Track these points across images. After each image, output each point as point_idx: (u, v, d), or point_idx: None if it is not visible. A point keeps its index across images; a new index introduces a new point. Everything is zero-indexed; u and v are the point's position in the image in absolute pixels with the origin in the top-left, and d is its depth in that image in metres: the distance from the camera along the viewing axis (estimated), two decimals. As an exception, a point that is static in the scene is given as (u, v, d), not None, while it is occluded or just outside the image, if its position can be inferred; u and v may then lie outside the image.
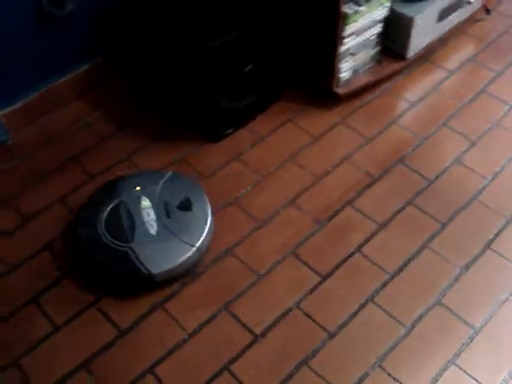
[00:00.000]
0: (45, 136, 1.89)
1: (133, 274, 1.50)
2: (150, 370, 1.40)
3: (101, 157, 1.83)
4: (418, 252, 1.58)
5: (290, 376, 1.38)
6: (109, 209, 1.59)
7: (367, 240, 1.61)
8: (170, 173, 1.68)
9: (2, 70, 1.76)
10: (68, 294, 1.53)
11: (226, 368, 1.40)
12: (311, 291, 1.52)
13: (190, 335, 1.45)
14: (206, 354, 1.42)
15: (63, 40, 1.85)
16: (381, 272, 1.54)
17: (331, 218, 1.66)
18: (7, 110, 1.82)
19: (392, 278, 1.53)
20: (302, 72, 1.99)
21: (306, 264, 1.57)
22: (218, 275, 1.56)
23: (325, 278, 1.54)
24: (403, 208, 1.67)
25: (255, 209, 1.69)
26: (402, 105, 1.96)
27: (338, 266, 1.56)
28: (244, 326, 1.46)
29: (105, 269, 1.53)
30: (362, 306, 1.48)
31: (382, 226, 1.64)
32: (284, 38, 1.85)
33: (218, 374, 1.39)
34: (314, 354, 1.41)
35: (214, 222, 1.61)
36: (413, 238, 1.61)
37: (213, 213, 1.62)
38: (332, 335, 1.43)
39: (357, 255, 1.58)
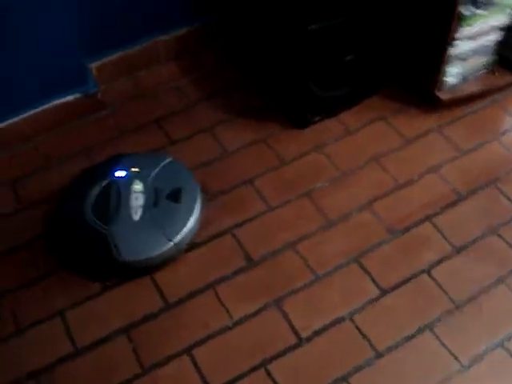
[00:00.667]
0: (134, 92, 1.89)
1: (104, 257, 1.47)
2: (188, 350, 1.38)
3: (185, 122, 1.81)
4: (493, 286, 1.46)
5: (328, 389, 1.33)
6: (101, 186, 1.55)
7: (439, 262, 1.50)
8: (169, 159, 1.62)
9: (98, 25, 1.75)
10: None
11: (263, 365, 1.35)
12: (368, 304, 1.44)
13: (235, 324, 1.42)
14: (246, 345, 1.39)
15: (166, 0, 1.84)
16: (447, 300, 1.43)
17: (406, 230, 1.56)
18: (99, 63, 1.82)
19: (458, 308, 1.42)
20: (405, 70, 1.87)
21: (368, 274, 1.48)
22: (276, 268, 1.50)
23: (385, 292, 1.45)
24: (485, 235, 1.54)
25: (328, 206, 1.61)
26: (508, 121, 1.81)
27: (402, 283, 1.46)
28: (291, 326, 1.40)
29: (80, 247, 1.50)
30: (419, 331, 1.39)
31: (459, 249, 1.52)
32: (390, 32, 1.73)
33: (254, 369, 1.35)
34: (356, 370, 1.33)
35: (201, 218, 1.55)
36: (489, 271, 1.48)
37: (202, 209, 1.55)
38: (379, 355, 1.35)
39: (425, 276, 1.48)
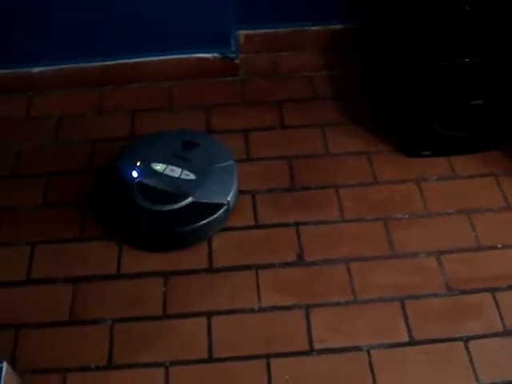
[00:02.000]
0: (269, 69, 1.97)
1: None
2: (208, 314, 1.45)
3: (302, 112, 1.85)
4: (526, 383, 1.36)
5: (315, 407, 1.33)
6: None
7: (482, 337, 1.41)
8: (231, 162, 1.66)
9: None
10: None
11: (266, 357, 1.38)
12: (391, 347, 1.40)
13: (261, 309, 1.46)
14: (261, 333, 1.42)
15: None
16: (472, 376, 1.35)
17: (464, 292, 1.48)
18: (246, 33, 1.92)
19: (479, 388, 1.35)
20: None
21: (406, 318, 1.44)
22: (321, 275, 1.51)
23: (414, 343, 1.40)
24: (545, 331, 1.44)
25: (398, 238, 1.57)
26: None
27: (434, 341, 1.40)
28: (309, 333, 1.42)
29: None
30: (429, 393, 1.34)
31: (508, 333, 1.41)
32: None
33: (256, 357, 1.38)
34: (348, 402, 1.33)
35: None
36: (531, 366, 1.38)
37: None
38: (382, 397, 1.34)
39: (460, 344, 1.40)
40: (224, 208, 1.57)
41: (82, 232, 1.60)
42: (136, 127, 1.84)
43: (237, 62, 1.91)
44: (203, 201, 1.57)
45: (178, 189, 1.58)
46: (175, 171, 1.61)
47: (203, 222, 1.54)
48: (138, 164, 1.62)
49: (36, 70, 1.88)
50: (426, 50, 1.60)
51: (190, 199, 1.56)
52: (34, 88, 1.91)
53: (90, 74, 1.90)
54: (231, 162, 1.66)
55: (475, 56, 1.54)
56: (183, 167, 1.62)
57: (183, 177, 1.60)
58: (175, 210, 1.55)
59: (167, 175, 1.60)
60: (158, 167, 1.62)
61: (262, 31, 1.93)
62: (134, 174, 1.60)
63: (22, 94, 1.92)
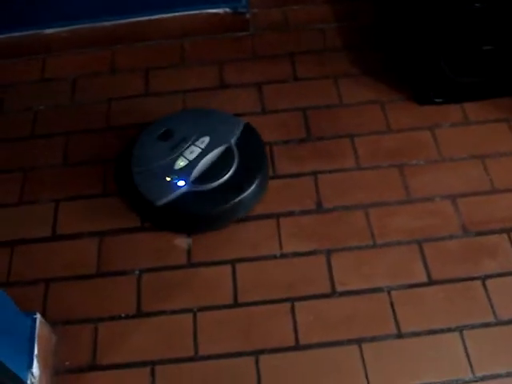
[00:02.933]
0: (280, 23, 1.98)
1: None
2: (232, 262, 1.50)
3: (315, 64, 1.87)
4: (542, 317, 1.41)
5: (337, 345, 1.37)
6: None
7: (499, 275, 1.46)
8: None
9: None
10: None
11: (290, 300, 1.44)
12: (411, 287, 1.45)
13: (282, 256, 1.51)
14: (284, 278, 1.47)
15: None
16: (490, 312, 1.40)
17: (480, 233, 1.52)
18: (259, -14, 1.93)
19: (497, 324, 1.39)
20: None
21: (424, 259, 1.48)
22: (340, 222, 1.55)
23: (432, 283, 1.45)
24: (560, 268, 1.48)
25: (414, 184, 1.61)
26: None
27: (452, 281, 1.45)
28: (331, 276, 1.46)
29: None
30: (449, 330, 1.38)
31: (525, 271, 1.47)
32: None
33: (281, 301, 1.44)
34: (372, 340, 1.37)
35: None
36: (547, 301, 1.43)
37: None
38: (400, 336, 1.37)
39: (478, 282, 1.45)
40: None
41: (104, 188, 1.64)
42: (150, 84, 1.85)
43: (248, 16, 1.91)
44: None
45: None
46: (194, 151, 1.60)
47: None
48: (169, 179, 1.56)
49: (48, 31, 1.89)
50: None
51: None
52: (47, 49, 1.92)
53: (102, 34, 1.90)
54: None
55: (486, 1, 1.54)
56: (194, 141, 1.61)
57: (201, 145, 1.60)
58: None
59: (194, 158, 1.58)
60: (182, 163, 1.59)
61: (271, -14, 1.94)
62: (181, 183, 1.55)
63: (36, 55, 1.93)
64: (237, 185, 1.55)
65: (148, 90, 1.84)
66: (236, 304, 1.44)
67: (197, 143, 1.60)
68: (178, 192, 1.53)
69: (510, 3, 1.56)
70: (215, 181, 1.55)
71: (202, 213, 1.54)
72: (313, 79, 1.83)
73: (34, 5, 1.83)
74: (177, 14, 1.88)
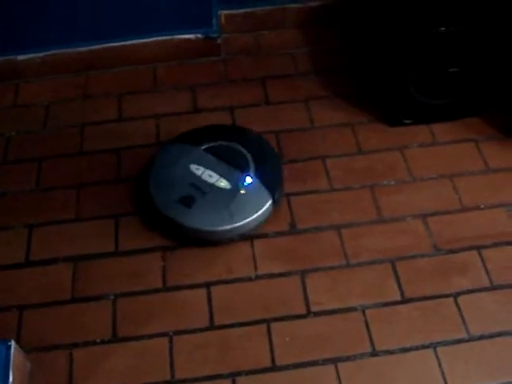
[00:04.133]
0: (251, 48, 2.01)
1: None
2: (207, 285, 1.50)
3: (286, 88, 1.90)
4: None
5: (313, 364, 1.38)
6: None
7: (470, 291, 1.48)
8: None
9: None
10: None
11: (266, 321, 1.44)
12: (384, 305, 1.46)
13: (258, 277, 1.51)
14: (259, 300, 1.48)
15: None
16: (463, 328, 1.42)
17: (451, 251, 1.55)
18: (228, 12, 1.96)
19: (469, 340, 1.41)
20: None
21: (397, 278, 1.50)
22: (314, 242, 1.57)
23: (406, 301, 1.47)
24: (530, 284, 1.51)
25: (385, 204, 1.63)
26: None
27: (425, 298, 1.47)
28: (305, 297, 1.47)
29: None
30: (422, 347, 1.40)
31: (496, 287, 1.49)
32: (505, 53, 1.68)
33: (257, 322, 1.44)
34: (347, 359, 1.38)
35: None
36: (517, 317, 1.46)
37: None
38: (374, 354, 1.39)
39: (450, 299, 1.47)
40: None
41: (77, 212, 1.63)
42: (123, 109, 1.86)
43: (219, 41, 1.94)
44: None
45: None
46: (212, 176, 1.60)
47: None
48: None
49: (21, 57, 1.89)
50: (403, 21, 1.65)
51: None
52: (20, 75, 1.92)
53: (76, 59, 1.91)
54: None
55: (451, 25, 1.60)
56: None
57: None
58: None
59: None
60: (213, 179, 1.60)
61: (242, 10, 1.96)
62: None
63: (9, 81, 1.93)
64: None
65: (121, 115, 1.85)
66: (212, 326, 1.44)
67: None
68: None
69: (475, 27, 1.62)
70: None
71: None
72: (284, 103, 1.86)
73: (6, 31, 1.83)
74: (149, 39, 1.89)
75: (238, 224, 1.53)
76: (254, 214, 1.55)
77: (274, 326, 1.44)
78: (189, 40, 1.91)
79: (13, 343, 1.33)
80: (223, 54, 1.98)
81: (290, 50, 1.99)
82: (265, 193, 1.58)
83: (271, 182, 1.60)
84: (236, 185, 1.58)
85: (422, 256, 1.55)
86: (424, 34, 1.59)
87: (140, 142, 1.78)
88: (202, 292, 1.49)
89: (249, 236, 1.57)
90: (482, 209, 1.63)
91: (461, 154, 1.74)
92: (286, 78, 1.92)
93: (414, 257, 1.54)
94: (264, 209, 1.56)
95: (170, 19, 1.87)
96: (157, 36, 1.90)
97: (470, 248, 1.56)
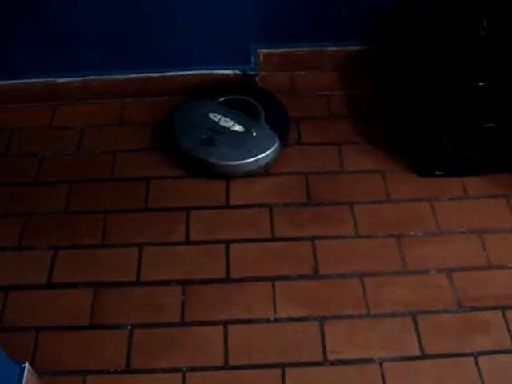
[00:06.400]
0: (287, 87, 2.03)
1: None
2: (224, 323, 1.49)
3: (319, 130, 1.91)
4: (534, 400, 1.40)
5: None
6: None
7: (492, 352, 1.45)
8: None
9: (276, 17, 1.92)
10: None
11: (281, 366, 1.42)
12: (403, 360, 1.44)
13: (276, 320, 1.50)
14: (276, 343, 1.46)
15: (351, 12, 1.93)
16: (482, 391, 1.40)
17: (475, 309, 1.52)
18: (266, 51, 1.99)
19: (488, 405, 1.38)
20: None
21: (417, 333, 1.48)
22: (336, 289, 1.55)
23: (425, 357, 1.44)
24: (554, 349, 1.47)
25: (411, 255, 1.62)
26: None
27: (445, 356, 1.44)
28: (323, 344, 1.46)
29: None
30: (436, 407, 1.38)
31: (518, 350, 1.47)
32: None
33: (272, 366, 1.43)
34: (361, 414, 1.36)
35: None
36: (539, 384, 1.42)
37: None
38: (391, 408, 1.37)
39: (470, 359, 1.44)
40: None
41: (102, 239, 1.65)
42: (156, 139, 1.88)
43: (256, 79, 1.97)
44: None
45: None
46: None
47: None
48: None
49: (60, 80, 1.93)
50: (442, 74, 1.65)
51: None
52: (58, 98, 1.96)
53: (113, 86, 1.95)
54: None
55: (489, 80, 1.59)
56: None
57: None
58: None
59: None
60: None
61: (281, 50, 1.99)
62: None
63: (47, 103, 1.97)
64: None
65: (155, 144, 1.88)
66: (226, 366, 1.43)
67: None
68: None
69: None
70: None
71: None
72: (316, 144, 1.86)
73: (49, 53, 1.87)
74: (188, 72, 1.93)
75: (252, 159, 1.77)
76: (265, 151, 1.78)
77: (289, 371, 1.42)
78: (227, 76, 1.94)
79: (27, 365, 1.33)
80: (259, 91, 2.01)
81: (326, 92, 2.00)
82: (274, 135, 1.82)
83: (279, 126, 1.85)
84: (249, 129, 1.82)
85: (445, 311, 1.52)
86: (462, 87, 1.59)
87: (170, 173, 1.80)
88: (219, 330, 1.48)
89: (271, 276, 1.57)
90: (510, 268, 1.60)
91: (491, 210, 1.72)
92: (319, 119, 1.93)
93: (436, 312, 1.52)
94: (274, 147, 1.80)
95: (209, 54, 1.90)
96: (195, 70, 1.93)
97: (494, 307, 1.53)
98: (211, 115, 1.84)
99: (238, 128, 1.81)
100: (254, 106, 1.87)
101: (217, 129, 1.81)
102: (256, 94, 1.92)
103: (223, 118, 1.83)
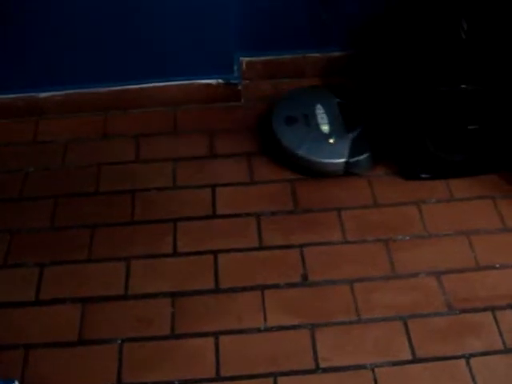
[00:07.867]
0: (271, 95, 2.01)
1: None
2: (215, 334, 1.48)
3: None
4: (527, 400, 1.40)
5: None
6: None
7: (483, 354, 1.45)
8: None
9: (257, 26, 1.92)
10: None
11: (273, 375, 1.41)
12: (395, 364, 1.43)
13: (267, 329, 1.49)
14: (267, 352, 1.45)
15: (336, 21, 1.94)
16: (475, 392, 1.40)
17: (465, 311, 1.52)
18: (249, 60, 1.99)
19: (481, 406, 1.38)
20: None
21: (409, 337, 1.47)
22: (325, 296, 1.55)
23: (416, 361, 1.43)
24: (545, 349, 1.48)
25: (399, 259, 1.61)
26: None
27: (436, 359, 1.44)
28: (314, 352, 1.45)
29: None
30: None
31: (509, 351, 1.45)
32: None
33: (264, 376, 1.41)
34: (355, 420, 1.36)
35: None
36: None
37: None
38: (383, 415, 1.36)
39: (462, 361, 1.43)
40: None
41: (89, 253, 1.63)
42: (141, 151, 1.88)
43: (239, 87, 1.96)
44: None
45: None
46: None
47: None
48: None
49: (43, 94, 1.92)
50: (423, 77, 1.66)
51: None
52: (40, 112, 1.95)
53: (96, 99, 1.94)
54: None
55: (471, 83, 1.61)
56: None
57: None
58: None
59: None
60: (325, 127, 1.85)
61: (263, 58, 1.99)
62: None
63: (29, 117, 1.96)
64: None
65: (138, 156, 1.87)
66: (218, 377, 1.41)
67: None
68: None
69: (495, 85, 1.63)
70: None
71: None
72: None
73: (30, 68, 1.87)
74: (170, 83, 1.92)
75: (304, 155, 1.78)
76: (322, 159, 1.78)
77: (281, 380, 1.41)
78: (209, 85, 1.94)
79: (16, 383, 1.32)
80: (243, 100, 2.00)
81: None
82: (343, 155, 1.77)
83: (356, 150, 1.79)
84: (331, 134, 1.81)
85: (435, 315, 1.52)
86: (445, 90, 1.60)
87: (155, 184, 1.80)
88: (210, 341, 1.47)
89: (260, 285, 1.56)
90: (498, 268, 1.60)
91: (478, 211, 1.73)
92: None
93: (426, 315, 1.52)
94: (334, 161, 1.78)
95: (191, 64, 1.90)
96: (178, 80, 1.92)
97: (485, 309, 1.53)
98: (318, 106, 1.87)
99: (325, 128, 1.82)
100: (357, 121, 1.85)
101: (310, 118, 1.84)
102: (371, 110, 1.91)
103: (323, 115, 1.85)
